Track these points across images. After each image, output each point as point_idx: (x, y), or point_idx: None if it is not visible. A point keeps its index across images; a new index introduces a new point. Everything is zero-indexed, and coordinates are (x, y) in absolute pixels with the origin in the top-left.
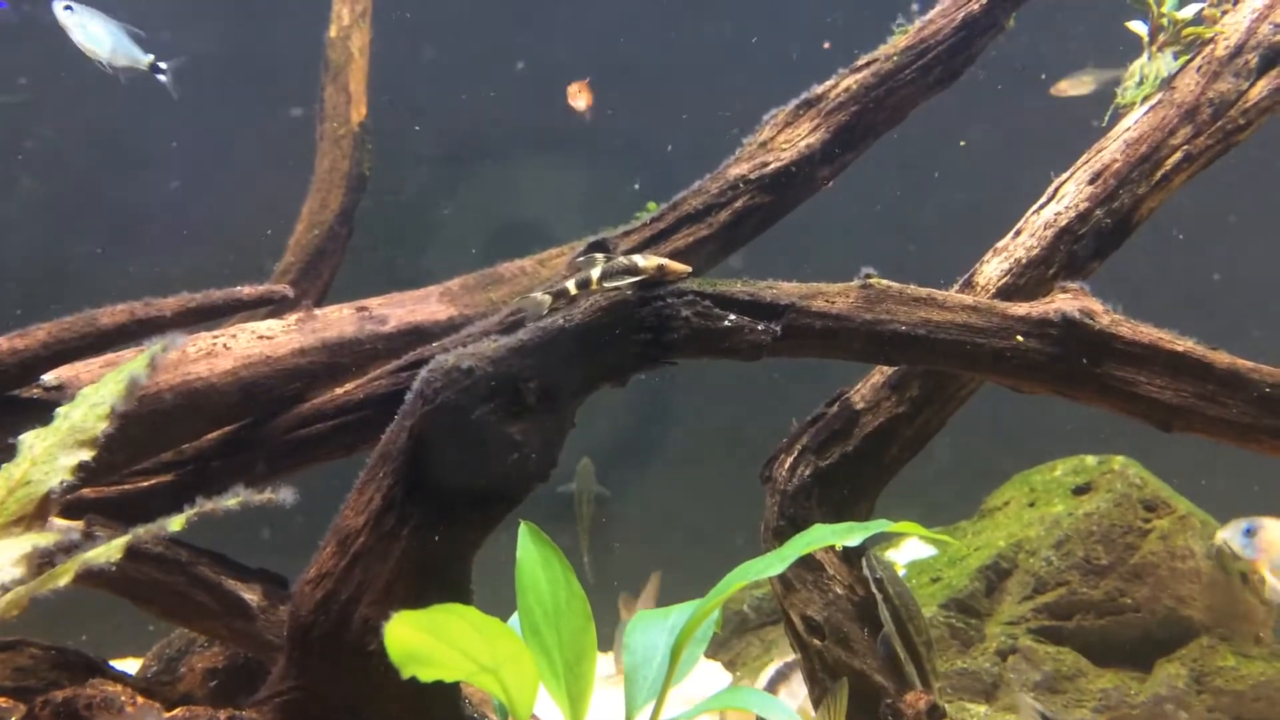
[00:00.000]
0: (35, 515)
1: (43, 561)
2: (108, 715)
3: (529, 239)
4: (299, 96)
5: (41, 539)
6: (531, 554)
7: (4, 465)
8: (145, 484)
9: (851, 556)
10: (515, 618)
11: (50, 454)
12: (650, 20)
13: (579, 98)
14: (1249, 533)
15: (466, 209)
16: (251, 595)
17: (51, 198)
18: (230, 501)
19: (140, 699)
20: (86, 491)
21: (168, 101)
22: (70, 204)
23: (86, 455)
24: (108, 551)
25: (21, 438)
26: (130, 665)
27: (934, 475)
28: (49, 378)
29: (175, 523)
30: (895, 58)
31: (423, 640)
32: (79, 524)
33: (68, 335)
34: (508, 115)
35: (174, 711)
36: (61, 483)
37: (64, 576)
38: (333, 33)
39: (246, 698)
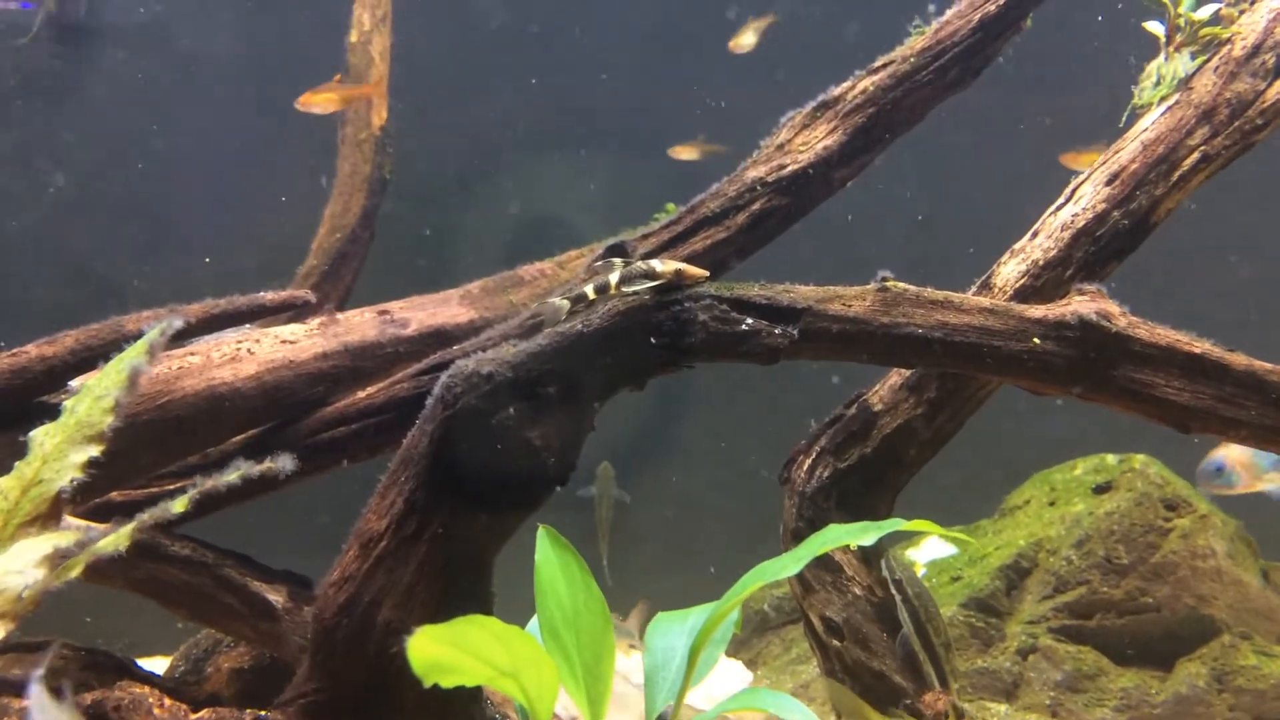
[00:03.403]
0: (49, 515)
1: (62, 561)
2: (136, 716)
3: (549, 240)
4: None
5: (61, 538)
6: (550, 557)
7: (17, 464)
8: (172, 487)
9: (870, 557)
10: (535, 620)
11: (60, 451)
12: (672, 20)
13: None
14: (1219, 470)
15: (487, 211)
16: (277, 596)
17: (79, 203)
18: (231, 475)
19: (168, 700)
20: (115, 495)
21: (193, 105)
22: (97, 209)
23: (95, 451)
24: (115, 540)
25: (32, 434)
26: (159, 664)
27: (953, 475)
28: (76, 384)
29: (179, 504)
30: (912, 59)
31: (444, 651)
32: (102, 525)
33: (95, 342)
34: (528, 117)
35: (200, 713)
36: (72, 481)
37: (74, 569)
38: (354, 38)
39: (273, 698)
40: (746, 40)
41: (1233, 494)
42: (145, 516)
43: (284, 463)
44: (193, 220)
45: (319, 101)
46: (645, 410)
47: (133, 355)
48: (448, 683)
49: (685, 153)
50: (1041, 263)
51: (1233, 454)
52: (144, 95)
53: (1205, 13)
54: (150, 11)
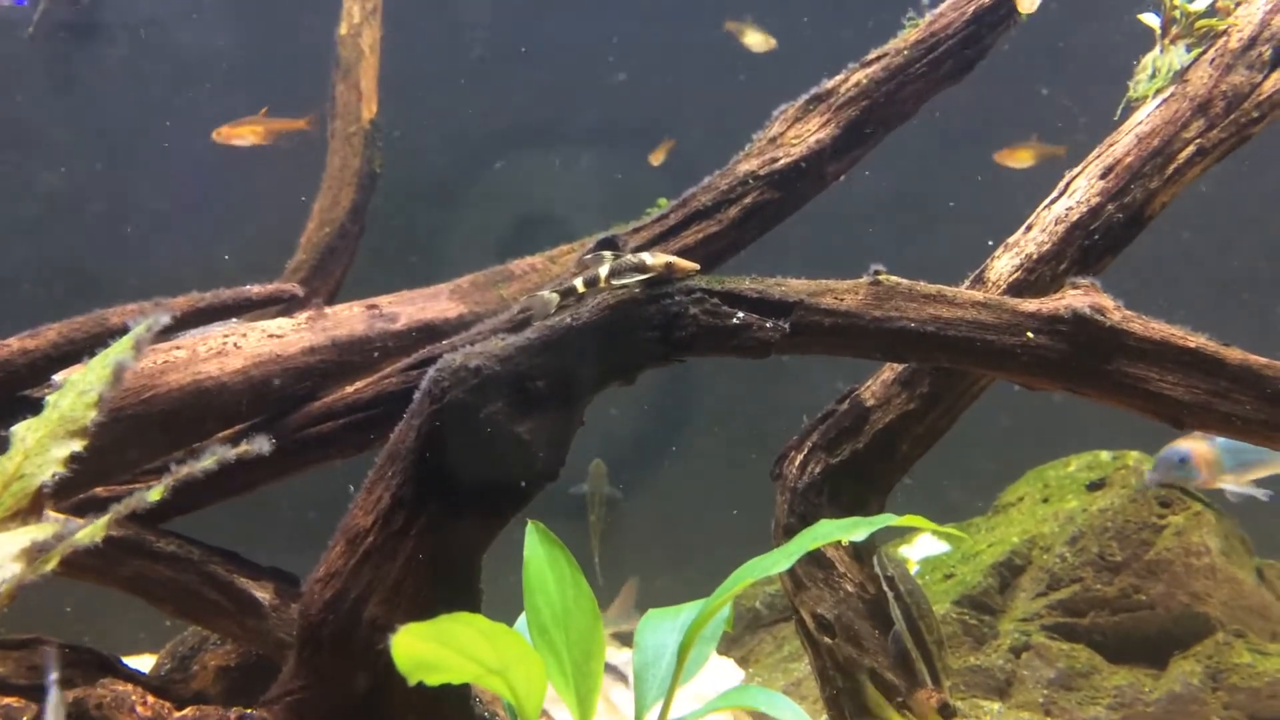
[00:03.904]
0: (30, 509)
1: (40, 554)
2: (119, 714)
3: (540, 235)
4: (312, 94)
5: (39, 532)
6: (539, 554)
7: None
8: (156, 483)
9: (862, 554)
10: (523, 618)
11: (42, 446)
12: (665, 11)
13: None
14: (1183, 462)
15: (477, 205)
16: (263, 593)
17: (66, 197)
18: (207, 461)
19: (151, 698)
20: (99, 490)
21: (183, 100)
22: (84, 203)
23: (78, 446)
24: (92, 532)
25: (14, 429)
26: (145, 662)
27: (947, 472)
28: (59, 378)
29: (154, 493)
30: (906, 52)
31: (430, 648)
32: (81, 520)
33: (78, 335)
34: (518, 110)
35: (185, 710)
36: (54, 476)
37: (50, 562)
38: (343, 30)
39: (259, 696)
40: (754, 40)
41: (1187, 486)
42: (120, 507)
43: (260, 445)
44: (181, 214)
45: (241, 134)
46: (638, 406)
47: (118, 350)
48: (434, 680)
49: (657, 157)
50: (1035, 257)
51: (1199, 448)
52: (134, 88)
53: (1201, 5)
54: (145, 6)
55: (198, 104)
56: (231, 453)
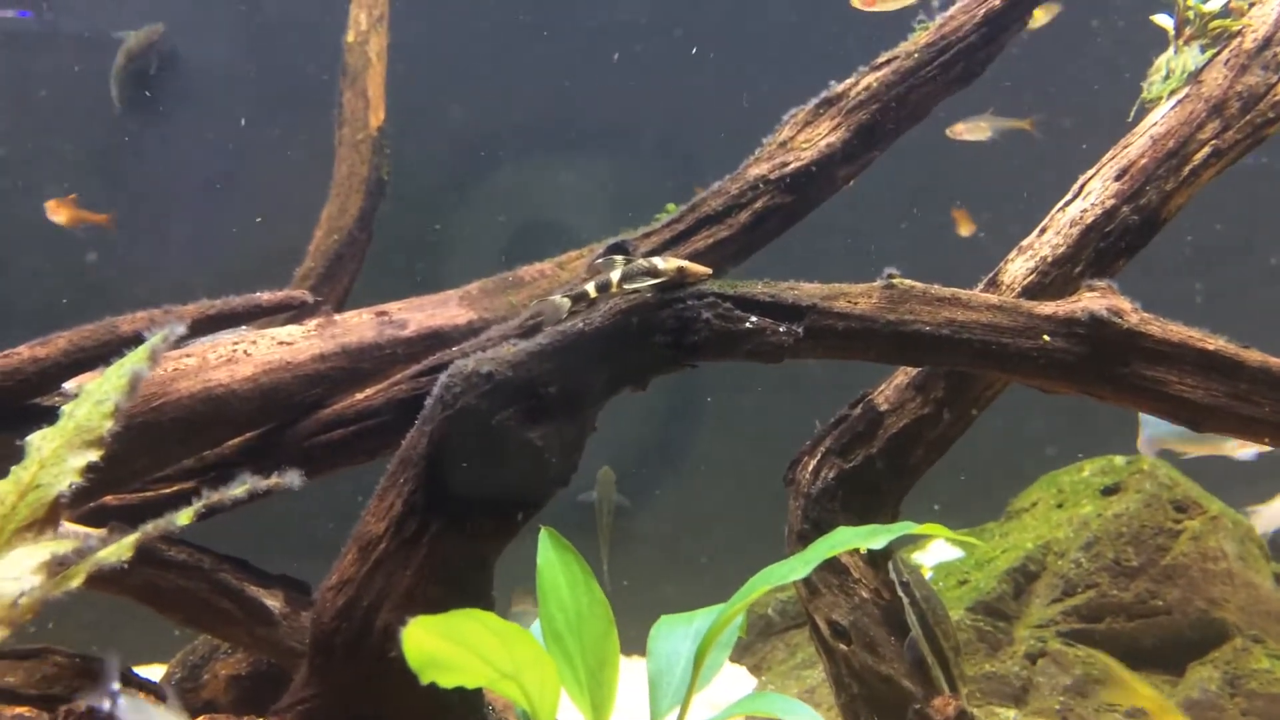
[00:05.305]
0: (46, 520)
1: (60, 569)
2: None
3: (549, 241)
4: (319, 102)
5: (60, 546)
6: (552, 560)
7: (13, 469)
8: (168, 491)
9: (877, 560)
10: (536, 624)
11: (58, 455)
12: (673, 16)
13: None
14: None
15: (486, 211)
16: (273, 601)
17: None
18: (238, 490)
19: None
20: (109, 499)
21: (189, 108)
22: (93, 210)
23: (94, 455)
24: (118, 550)
25: (29, 439)
26: (155, 672)
27: (960, 477)
28: (70, 386)
29: (183, 516)
30: (916, 55)
31: (441, 646)
32: (97, 530)
33: (88, 343)
34: (526, 115)
35: (197, 719)
36: (70, 485)
37: (75, 579)
38: (350, 38)
39: (270, 705)
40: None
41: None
42: (150, 528)
43: (291, 479)
44: (191, 222)
45: (54, 212)
46: (648, 413)
47: (134, 360)
48: (446, 681)
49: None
50: (1050, 259)
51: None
52: (137, 95)
53: (1215, 5)
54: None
55: (202, 110)
56: (264, 484)
